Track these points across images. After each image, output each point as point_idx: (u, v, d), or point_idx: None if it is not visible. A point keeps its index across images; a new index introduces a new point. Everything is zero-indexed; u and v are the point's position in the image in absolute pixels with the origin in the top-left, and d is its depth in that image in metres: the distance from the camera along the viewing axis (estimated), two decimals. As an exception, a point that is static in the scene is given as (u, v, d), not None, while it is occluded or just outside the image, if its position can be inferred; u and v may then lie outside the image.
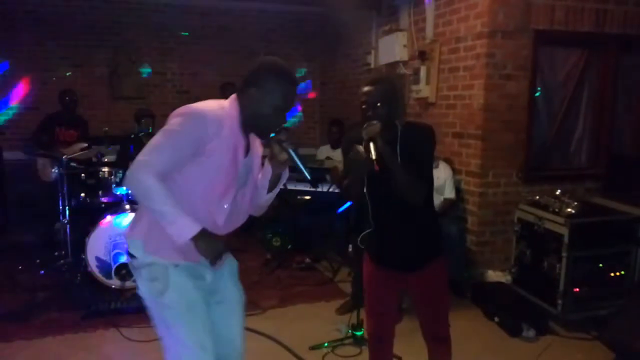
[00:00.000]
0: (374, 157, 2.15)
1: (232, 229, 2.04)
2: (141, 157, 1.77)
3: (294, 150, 1.88)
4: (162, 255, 1.92)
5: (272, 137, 1.88)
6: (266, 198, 2.05)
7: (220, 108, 1.87)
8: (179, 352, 1.93)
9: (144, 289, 1.97)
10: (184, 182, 1.84)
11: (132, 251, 1.98)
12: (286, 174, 2.03)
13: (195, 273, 1.98)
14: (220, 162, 1.85)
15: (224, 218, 1.94)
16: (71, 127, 5.46)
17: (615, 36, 4.54)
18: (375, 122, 2.23)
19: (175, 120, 1.82)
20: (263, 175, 2.02)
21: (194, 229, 1.75)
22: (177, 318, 1.92)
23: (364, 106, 2.31)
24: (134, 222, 2.03)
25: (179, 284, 1.93)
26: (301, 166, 1.89)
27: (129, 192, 1.80)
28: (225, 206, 1.92)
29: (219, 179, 1.88)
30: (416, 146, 2.31)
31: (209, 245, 1.78)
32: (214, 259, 1.81)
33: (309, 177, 1.92)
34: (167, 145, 1.79)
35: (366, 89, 2.32)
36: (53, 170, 4.82)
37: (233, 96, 1.93)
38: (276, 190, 2.06)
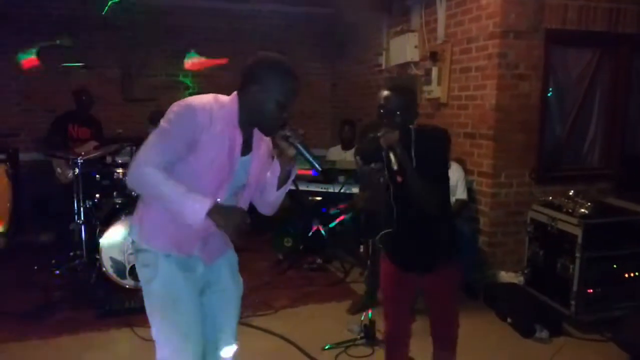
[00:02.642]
0: (395, 167, 2.18)
1: None
2: (137, 156, 1.84)
3: (300, 143, 1.86)
4: (154, 243, 1.98)
5: (278, 133, 1.88)
6: (276, 195, 2.04)
7: (215, 102, 1.88)
8: (161, 339, 2.00)
9: (139, 273, 2.05)
10: (177, 174, 1.86)
11: (131, 236, 2.07)
12: (295, 170, 2.01)
13: (186, 265, 2.02)
14: (213, 155, 1.87)
15: None
16: (84, 124, 5.49)
17: (629, 36, 4.51)
18: (391, 130, 2.24)
19: (167, 116, 1.86)
20: (272, 172, 2.01)
21: (203, 209, 1.75)
22: (162, 306, 1.98)
23: (382, 111, 2.32)
24: (135, 209, 2.10)
25: (167, 274, 1.97)
26: (309, 157, 1.87)
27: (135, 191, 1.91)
28: (218, 200, 1.93)
29: (212, 173, 1.89)
30: (430, 149, 2.32)
31: (226, 217, 1.77)
32: (235, 232, 1.79)
33: (319, 168, 1.89)
34: (159, 142, 1.84)
35: (386, 94, 2.33)
36: (69, 172, 4.84)
37: (235, 93, 1.94)
38: (286, 187, 2.04)
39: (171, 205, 1.81)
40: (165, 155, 1.82)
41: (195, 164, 1.87)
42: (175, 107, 1.85)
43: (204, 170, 1.88)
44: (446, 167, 2.51)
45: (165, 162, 1.82)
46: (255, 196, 2.10)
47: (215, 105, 1.87)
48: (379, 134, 2.23)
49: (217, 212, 1.76)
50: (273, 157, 2.05)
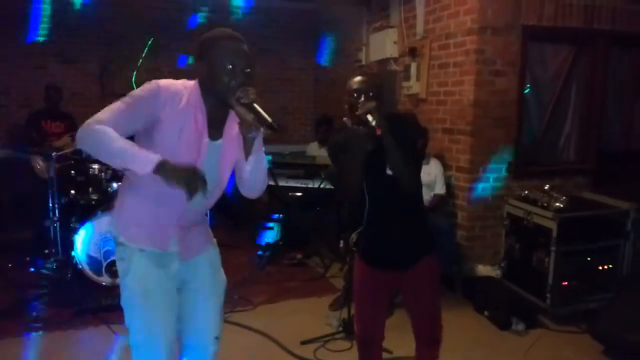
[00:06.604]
0: (374, 124, 2.14)
1: (201, 209, 2.09)
2: (94, 116, 1.82)
3: (251, 102, 1.81)
4: (129, 237, 1.99)
5: (232, 99, 1.84)
6: (248, 171, 1.98)
7: (182, 86, 1.93)
8: (132, 332, 2.01)
9: (117, 266, 2.05)
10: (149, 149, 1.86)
11: (110, 229, 2.08)
12: (260, 136, 1.94)
13: (160, 261, 2.01)
14: (178, 130, 1.87)
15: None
16: (57, 119, 5.45)
17: (604, 32, 4.57)
18: (369, 100, 2.22)
19: (134, 90, 1.90)
20: (240, 146, 1.97)
21: (154, 159, 1.72)
22: (133, 300, 1.99)
23: (355, 95, 2.28)
24: (114, 202, 2.12)
25: (140, 269, 1.98)
26: (263, 114, 1.79)
27: (84, 150, 1.87)
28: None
29: (179, 151, 1.88)
30: (402, 133, 2.27)
31: (175, 173, 1.72)
32: (187, 187, 1.71)
33: (272, 124, 1.80)
34: (118, 108, 1.85)
35: (358, 78, 2.35)
36: (50, 167, 4.79)
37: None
38: (258, 160, 1.98)
39: (122, 158, 1.75)
40: (120, 120, 1.81)
41: (162, 138, 1.87)
42: (144, 84, 1.90)
43: (174, 145, 1.87)
44: (419, 152, 2.47)
45: (120, 126, 1.79)
46: (237, 178, 2.08)
47: (183, 88, 1.92)
48: (358, 104, 2.21)
49: (166, 168, 1.72)
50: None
